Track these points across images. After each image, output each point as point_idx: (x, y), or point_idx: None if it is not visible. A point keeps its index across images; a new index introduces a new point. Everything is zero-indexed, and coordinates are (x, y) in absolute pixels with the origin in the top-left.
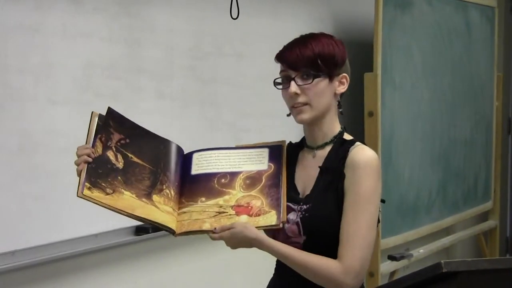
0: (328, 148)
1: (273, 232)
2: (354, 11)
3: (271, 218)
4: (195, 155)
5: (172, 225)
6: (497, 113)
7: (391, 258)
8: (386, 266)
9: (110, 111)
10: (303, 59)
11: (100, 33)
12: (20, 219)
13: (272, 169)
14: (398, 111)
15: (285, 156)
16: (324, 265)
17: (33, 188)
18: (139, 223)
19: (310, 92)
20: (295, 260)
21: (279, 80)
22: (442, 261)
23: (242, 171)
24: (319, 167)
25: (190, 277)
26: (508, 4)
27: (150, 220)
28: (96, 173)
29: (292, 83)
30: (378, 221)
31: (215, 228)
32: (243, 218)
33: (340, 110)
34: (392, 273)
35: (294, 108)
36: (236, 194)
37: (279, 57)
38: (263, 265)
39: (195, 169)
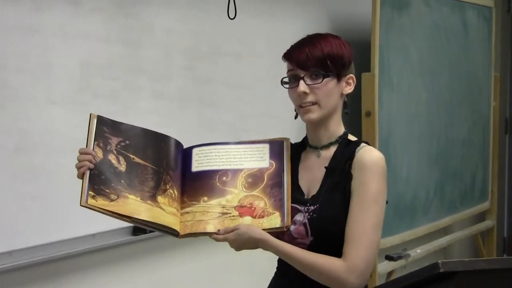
0: (333, 148)
1: (278, 233)
2: (352, 12)
3: (275, 220)
4: (194, 151)
5: (176, 226)
6: (494, 113)
7: (389, 258)
8: (384, 266)
9: (100, 119)
10: (312, 58)
11: (98, 34)
12: (18, 219)
13: (274, 167)
14: (396, 111)
15: (288, 154)
16: (329, 264)
17: (31, 188)
18: None
19: (319, 92)
20: (300, 259)
21: (286, 79)
22: (439, 261)
23: (243, 168)
24: (325, 167)
25: (188, 277)
26: (505, 4)
27: (155, 224)
28: (99, 180)
29: (301, 82)
30: None
31: (219, 230)
32: (247, 220)
33: (345, 111)
34: (390, 273)
35: (302, 108)
36: (238, 193)
37: (288, 56)
38: (262, 265)
39: (196, 166)
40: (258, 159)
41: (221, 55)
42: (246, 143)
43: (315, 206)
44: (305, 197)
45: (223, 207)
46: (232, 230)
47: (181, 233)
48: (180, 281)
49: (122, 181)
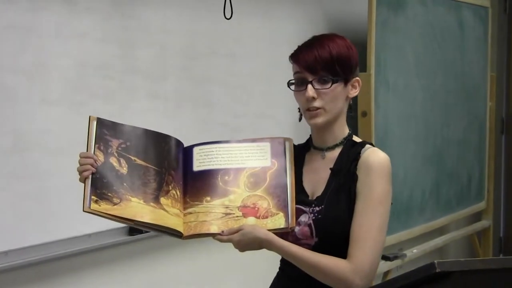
0: (338, 150)
1: (282, 234)
2: (348, 12)
3: (279, 221)
4: (195, 149)
5: (180, 228)
6: (490, 113)
7: (385, 258)
8: (380, 266)
9: (100, 121)
10: (321, 61)
11: (94, 33)
12: (14, 219)
13: (276, 166)
14: (392, 111)
15: (292, 155)
16: (334, 264)
17: (27, 188)
18: None
19: (327, 97)
20: (305, 260)
21: (293, 81)
22: (435, 261)
23: (245, 167)
24: (330, 168)
25: (184, 277)
26: (501, 4)
27: (159, 226)
28: (101, 184)
29: (309, 86)
30: None
31: (223, 231)
32: (251, 220)
33: (351, 114)
34: (386, 273)
35: (309, 112)
36: (241, 193)
37: (295, 58)
38: (258, 265)
39: (197, 165)
40: (260, 157)
41: (217, 55)
42: (247, 142)
43: (320, 207)
44: (310, 198)
45: (227, 207)
46: (237, 231)
47: (185, 234)
48: (176, 281)
49: (124, 184)
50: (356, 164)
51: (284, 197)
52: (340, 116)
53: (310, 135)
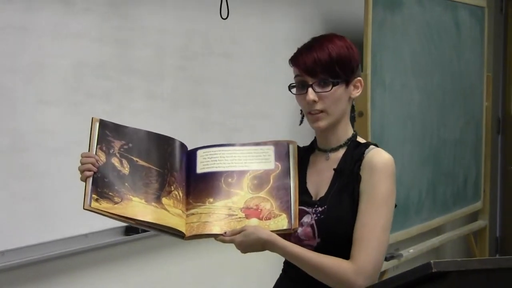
0: (342, 151)
1: (284, 236)
2: (344, 11)
3: (282, 222)
4: (199, 152)
5: (182, 228)
6: (486, 113)
7: None
8: None
9: (102, 122)
10: (320, 64)
11: (91, 34)
12: (11, 219)
13: (280, 169)
14: (388, 111)
15: (295, 157)
16: (337, 265)
17: (24, 188)
18: None
19: (328, 100)
20: (307, 260)
21: (294, 85)
22: (432, 261)
23: (248, 170)
24: (334, 169)
25: (180, 277)
26: (497, 4)
27: (160, 225)
28: (103, 183)
29: (310, 90)
30: None
31: (225, 232)
32: (253, 221)
33: (352, 114)
34: (382, 273)
35: (311, 115)
36: (244, 195)
37: (294, 62)
38: (257, 266)
39: (201, 168)
40: (264, 161)
41: (214, 55)
42: (251, 145)
43: (323, 208)
44: (313, 199)
45: (229, 209)
46: (239, 232)
47: (187, 234)
48: (171, 281)
49: (126, 183)
50: (360, 165)
51: (287, 199)
52: (343, 117)
53: (315, 136)
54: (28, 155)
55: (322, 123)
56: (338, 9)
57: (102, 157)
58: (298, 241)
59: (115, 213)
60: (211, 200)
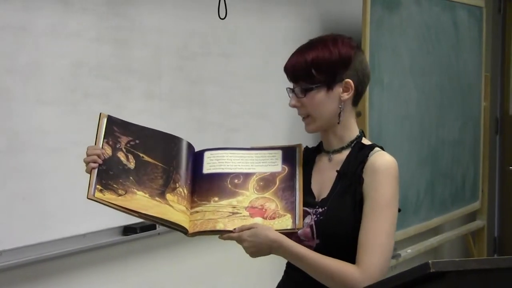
0: (345, 153)
1: (287, 236)
2: (342, 11)
3: (286, 222)
4: (206, 154)
5: (186, 224)
6: (484, 113)
7: None
8: None
9: (110, 118)
10: (296, 69)
11: (89, 33)
12: (9, 219)
13: (286, 171)
14: (386, 111)
15: (301, 159)
16: (343, 269)
17: (21, 188)
18: (127, 222)
19: (308, 105)
20: (312, 263)
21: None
22: (430, 261)
23: (255, 172)
24: (337, 171)
25: (179, 277)
26: (496, 4)
27: (163, 220)
28: (107, 175)
29: (292, 95)
30: None
31: (234, 229)
32: (258, 220)
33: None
34: None
35: (303, 119)
36: (249, 195)
37: (284, 68)
38: (256, 266)
39: (207, 168)
40: (271, 164)
41: (212, 55)
42: (259, 149)
43: (323, 209)
44: (316, 200)
45: (234, 207)
46: (248, 229)
47: (190, 231)
48: (169, 281)
49: (131, 177)
50: (363, 167)
51: (292, 200)
52: (341, 119)
53: None
54: (26, 155)
55: (309, 127)
56: (336, 9)
57: (108, 151)
58: (298, 241)
59: (119, 204)
60: (216, 199)
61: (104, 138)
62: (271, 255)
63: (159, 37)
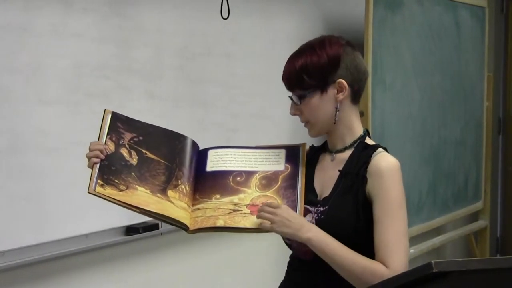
0: (348, 152)
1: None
2: (345, 11)
3: None
4: (210, 152)
5: (186, 221)
6: (487, 113)
7: None
8: None
9: (114, 115)
10: (290, 78)
11: (90, 33)
12: (10, 219)
13: (289, 170)
14: (389, 111)
15: (304, 158)
16: (373, 267)
17: (23, 188)
18: (129, 223)
19: (305, 111)
20: (342, 254)
21: None
22: (432, 261)
23: (258, 170)
24: (339, 170)
25: (181, 277)
26: (498, 4)
27: (164, 216)
28: (109, 170)
29: (291, 104)
30: None
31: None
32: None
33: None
34: None
35: (305, 125)
36: (251, 193)
37: (282, 78)
38: (257, 265)
39: (210, 166)
40: (274, 163)
41: (214, 55)
42: (263, 148)
43: (325, 208)
44: (318, 198)
45: (235, 205)
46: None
47: (191, 228)
48: (171, 281)
49: (133, 173)
50: (366, 167)
51: (293, 199)
52: (341, 121)
53: None
54: (27, 155)
55: (311, 133)
56: (338, 9)
57: (111, 147)
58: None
59: (119, 199)
60: (217, 196)
61: (107, 134)
62: (270, 255)
63: (161, 37)
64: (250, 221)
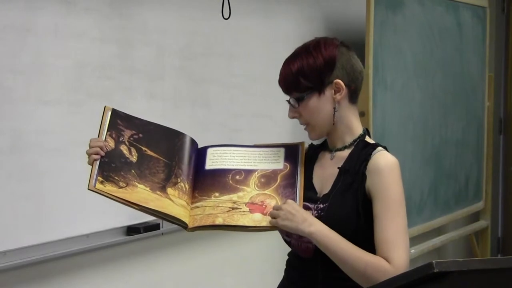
0: (347, 151)
1: (286, 232)
2: (346, 11)
3: None
4: (209, 150)
5: (186, 219)
6: (488, 113)
7: None
8: None
9: (114, 112)
10: (286, 81)
11: (92, 33)
12: (12, 219)
13: (288, 169)
14: (390, 111)
15: (303, 157)
16: (377, 263)
17: (24, 188)
18: (131, 223)
19: (303, 113)
20: (346, 249)
21: None
22: (433, 261)
23: (257, 169)
24: (339, 168)
25: (182, 277)
26: (499, 4)
27: (163, 213)
28: (109, 167)
29: (289, 107)
30: None
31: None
32: (257, 216)
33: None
34: None
35: (305, 128)
36: (250, 191)
37: (278, 82)
38: (257, 265)
39: (210, 164)
40: (273, 161)
41: (215, 55)
42: (262, 147)
43: (325, 205)
44: (317, 195)
45: (234, 203)
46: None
47: (190, 226)
48: (172, 281)
49: (132, 170)
50: (366, 165)
51: (292, 197)
52: (340, 121)
53: None
54: (29, 155)
55: (312, 135)
56: (340, 9)
57: (111, 144)
58: (299, 237)
59: (119, 196)
60: (216, 194)
61: (107, 131)
62: (271, 255)
63: (162, 37)
64: (249, 219)
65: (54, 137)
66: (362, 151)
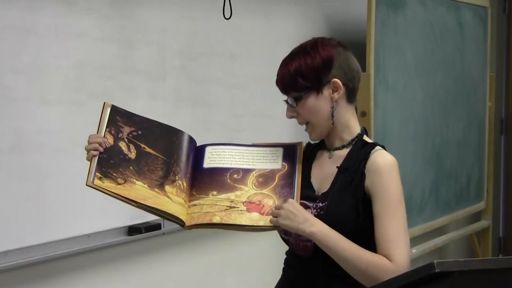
0: (346, 150)
1: (285, 232)
2: (347, 11)
3: None
4: (208, 149)
5: (183, 217)
6: (489, 113)
7: None
8: None
9: (114, 108)
10: (284, 82)
11: (93, 33)
12: (13, 219)
13: (286, 168)
14: (391, 111)
15: (301, 157)
16: (379, 262)
17: (25, 188)
18: (132, 223)
19: (302, 113)
20: (347, 248)
21: None
22: (434, 261)
23: (255, 168)
24: (337, 166)
25: (182, 277)
26: (500, 4)
27: (161, 211)
28: (108, 163)
29: (287, 107)
30: None
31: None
32: (255, 215)
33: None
34: None
35: (305, 129)
36: (248, 190)
37: (275, 82)
38: (258, 265)
39: (208, 163)
40: (271, 161)
41: (216, 55)
42: (260, 146)
43: (324, 204)
44: (316, 193)
45: (232, 202)
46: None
47: (187, 224)
48: (173, 281)
49: (131, 167)
50: (365, 164)
51: (290, 197)
52: (339, 120)
53: None
54: (29, 155)
55: (313, 135)
56: (341, 9)
57: (110, 140)
58: (297, 236)
59: (117, 193)
60: (214, 192)
61: (106, 127)
62: (271, 254)
63: (163, 37)
64: (246, 218)
65: (55, 137)
66: (361, 150)
